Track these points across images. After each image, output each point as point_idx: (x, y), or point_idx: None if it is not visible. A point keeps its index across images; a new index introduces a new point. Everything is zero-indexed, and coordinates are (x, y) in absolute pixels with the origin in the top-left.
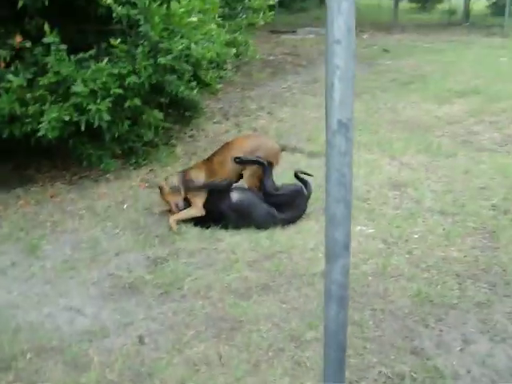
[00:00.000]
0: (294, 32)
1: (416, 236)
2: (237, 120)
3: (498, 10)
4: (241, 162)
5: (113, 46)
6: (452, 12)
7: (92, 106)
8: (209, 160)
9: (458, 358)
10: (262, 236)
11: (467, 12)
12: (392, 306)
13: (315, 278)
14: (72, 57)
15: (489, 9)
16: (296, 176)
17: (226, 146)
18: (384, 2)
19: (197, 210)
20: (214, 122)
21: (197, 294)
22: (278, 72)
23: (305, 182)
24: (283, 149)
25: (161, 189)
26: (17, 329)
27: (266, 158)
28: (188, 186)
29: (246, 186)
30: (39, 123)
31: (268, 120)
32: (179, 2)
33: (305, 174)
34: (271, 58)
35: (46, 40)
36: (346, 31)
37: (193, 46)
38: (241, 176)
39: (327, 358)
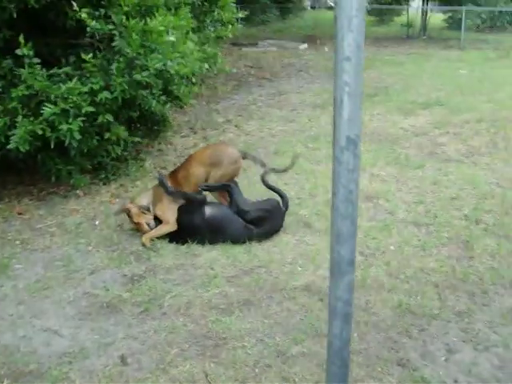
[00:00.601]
0: (255, 45)
1: (392, 247)
2: (204, 133)
3: (454, 23)
4: (209, 189)
5: (83, 61)
6: (410, 25)
7: (63, 126)
8: (173, 175)
9: (444, 368)
10: (240, 251)
11: (424, 25)
12: (375, 317)
13: (296, 292)
14: (44, 71)
15: (445, 22)
16: (271, 188)
17: (188, 160)
18: None
19: (169, 225)
20: (182, 136)
21: (177, 312)
22: (242, 85)
23: (282, 196)
24: (244, 156)
25: (129, 211)
26: None
27: (227, 166)
28: (158, 201)
29: (218, 201)
30: (8, 137)
31: (236, 133)
32: (155, 17)
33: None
34: (234, 70)
35: (19, 52)
36: (356, 48)
37: (169, 63)
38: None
39: (331, 374)
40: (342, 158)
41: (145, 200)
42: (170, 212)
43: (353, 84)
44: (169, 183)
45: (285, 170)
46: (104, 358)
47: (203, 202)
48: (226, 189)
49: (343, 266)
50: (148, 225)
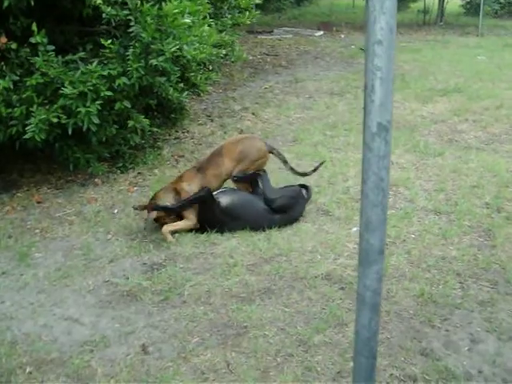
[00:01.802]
0: (270, 32)
1: (413, 236)
2: (221, 121)
3: (471, 9)
4: (241, 180)
5: (100, 47)
6: (426, 11)
7: (81, 109)
8: (202, 171)
9: (468, 358)
10: (259, 239)
11: (441, 11)
12: (396, 307)
13: (316, 281)
14: (59, 58)
15: (462, 8)
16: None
17: (218, 156)
18: (358, 2)
19: (191, 222)
20: (199, 124)
21: (198, 300)
22: (258, 72)
23: (306, 186)
24: (270, 150)
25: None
26: (13, 341)
27: (254, 160)
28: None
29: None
30: (25, 126)
31: (253, 121)
32: (171, 2)
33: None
34: (250, 58)
35: (33, 40)
36: (388, 31)
37: (185, 47)
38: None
39: (358, 365)
40: (373, 144)
41: (167, 199)
42: (192, 209)
43: (385, 69)
44: (195, 179)
45: (305, 174)
46: (125, 347)
47: (209, 194)
48: (256, 178)
49: (372, 255)
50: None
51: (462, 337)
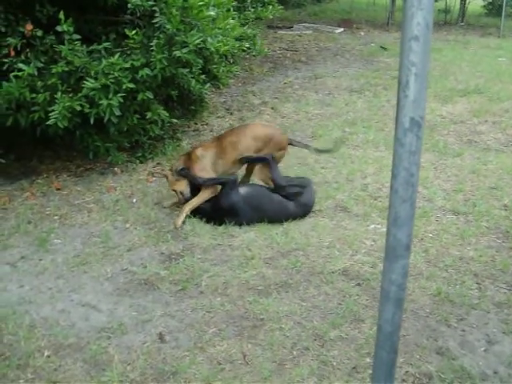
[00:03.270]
0: (290, 28)
1: (431, 235)
2: (240, 115)
3: (493, 10)
4: (247, 161)
5: (124, 37)
6: (447, 11)
7: (104, 101)
8: (220, 139)
9: (484, 359)
10: (277, 233)
11: (463, 12)
12: (413, 305)
13: (333, 276)
14: (84, 47)
15: (484, 9)
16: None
17: (242, 128)
18: (378, 0)
19: (210, 191)
20: (218, 117)
21: (215, 291)
22: (277, 67)
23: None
24: (290, 142)
25: (167, 178)
26: (31, 324)
27: (275, 148)
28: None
29: (255, 182)
30: (47, 112)
31: (272, 115)
32: None
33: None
34: (270, 52)
35: (59, 28)
36: (425, 27)
37: (209, 39)
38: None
39: (379, 359)
40: (405, 140)
41: (180, 163)
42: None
43: (420, 64)
44: (212, 146)
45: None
46: (142, 335)
47: (235, 183)
48: (264, 161)
49: (399, 250)
50: (181, 193)
51: (478, 337)
